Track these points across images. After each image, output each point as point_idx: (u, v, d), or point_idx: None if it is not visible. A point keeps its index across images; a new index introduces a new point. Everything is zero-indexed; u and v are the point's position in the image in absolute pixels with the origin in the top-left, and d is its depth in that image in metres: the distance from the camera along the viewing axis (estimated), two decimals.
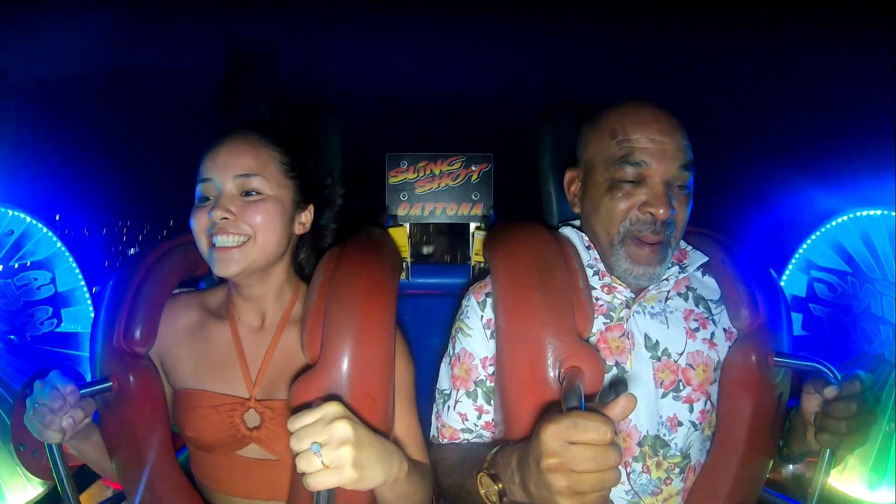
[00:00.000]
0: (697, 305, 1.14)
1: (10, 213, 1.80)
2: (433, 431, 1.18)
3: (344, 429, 0.77)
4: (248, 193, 1.04)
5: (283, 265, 1.11)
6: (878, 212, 1.88)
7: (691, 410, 1.08)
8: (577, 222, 1.19)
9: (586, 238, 1.14)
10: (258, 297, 1.10)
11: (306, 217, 1.13)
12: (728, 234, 1.24)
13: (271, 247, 1.05)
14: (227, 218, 1.01)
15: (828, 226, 1.94)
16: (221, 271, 1.03)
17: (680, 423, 1.08)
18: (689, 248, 1.19)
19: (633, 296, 1.11)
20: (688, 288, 1.16)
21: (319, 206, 1.16)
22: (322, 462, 0.76)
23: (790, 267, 1.98)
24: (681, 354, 1.10)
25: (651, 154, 1.04)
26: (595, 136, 1.10)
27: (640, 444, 1.07)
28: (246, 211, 1.03)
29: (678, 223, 1.06)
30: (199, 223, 1.04)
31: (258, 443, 1.06)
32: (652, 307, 1.12)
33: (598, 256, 1.12)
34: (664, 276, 1.11)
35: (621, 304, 1.11)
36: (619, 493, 1.08)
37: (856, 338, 1.88)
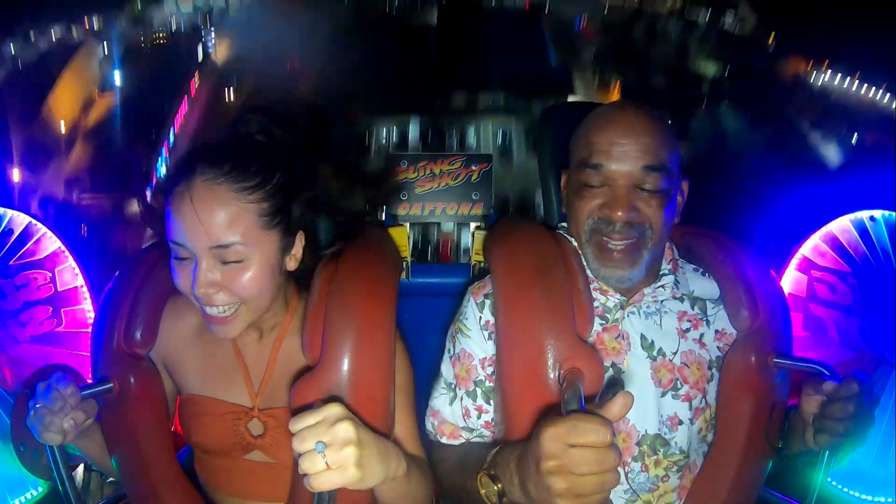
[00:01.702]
0: (693, 307, 1.14)
1: (10, 213, 1.79)
2: (429, 427, 1.17)
3: (347, 429, 0.77)
4: (228, 262, 0.94)
5: (279, 296, 1.06)
6: (878, 212, 1.88)
7: (689, 408, 1.09)
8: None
9: (574, 242, 1.14)
10: (257, 322, 1.07)
11: (297, 250, 1.02)
12: (728, 234, 1.23)
13: (264, 304, 1.00)
14: (211, 291, 0.94)
15: (828, 226, 1.93)
16: (222, 336, 1.00)
17: (680, 422, 1.08)
18: (681, 260, 1.19)
19: (626, 299, 1.11)
20: (684, 292, 1.16)
21: (309, 225, 1.06)
22: (325, 463, 0.76)
23: (790, 267, 1.98)
24: (675, 353, 1.10)
25: (610, 156, 1.04)
26: (575, 139, 1.13)
27: (638, 444, 1.07)
28: (231, 279, 0.94)
29: (652, 225, 1.05)
30: (183, 285, 0.97)
31: (262, 450, 1.07)
32: (648, 307, 1.12)
33: (585, 262, 1.12)
34: (660, 284, 1.11)
35: (615, 305, 1.11)
36: (616, 492, 1.08)
37: (856, 338, 1.87)
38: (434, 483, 1.10)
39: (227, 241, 0.92)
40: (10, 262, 1.78)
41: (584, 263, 1.12)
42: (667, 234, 1.09)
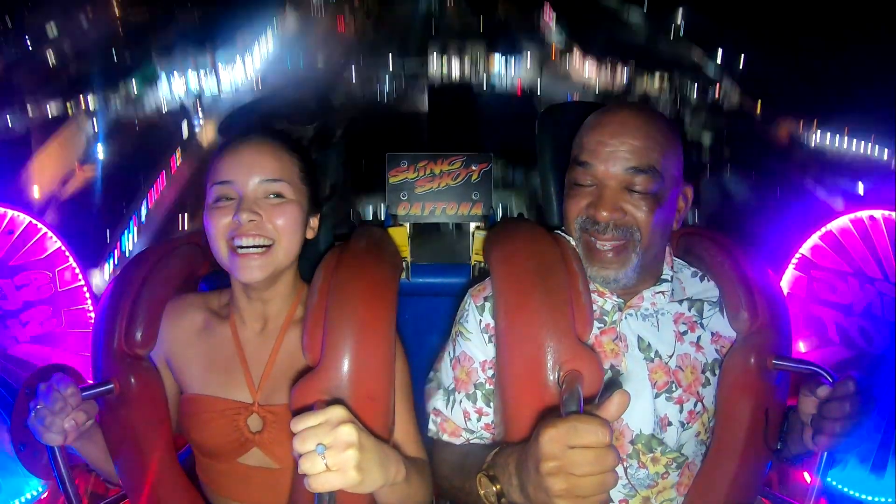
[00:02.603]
0: (690, 309, 1.14)
1: (10, 213, 1.80)
2: (431, 426, 1.17)
3: (349, 432, 0.78)
4: (271, 196, 1.04)
5: (293, 269, 1.12)
6: (878, 212, 1.88)
7: (681, 411, 1.09)
8: None
9: (573, 242, 1.14)
10: (265, 300, 1.10)
11: (315, 223, 1.14)
12: (728, 234, 1.23)
13: (293, 251, 1.07)
14: (254, 220, 1.01)
15: (828, 226, 1.94)
16: (246, 277, 1.02)
17: (670, 423, 1.08)
18: (678, 260, 1.19)
19: (623, 301, 1.11)
20: (681, 298, 1.15)
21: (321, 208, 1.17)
22: (325, 464, 0.76)
23: (790, 267, 1.98)
24: (671, 357, 1.10)
25: (596, 156, 1.05)
26: (574, 141, 1.14)
27: (632, 443, 1.07)
28: (272, 213, 1.03)
29: (640, 227, 1.04)
30: (218, 225, 1.03)
31: (260, 447, 1.07)
32: (645, 309, 1.12)
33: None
34: (659, 289, 1.11)
35: (613, 307, 1.11)
36: (615, 488, 1.08)
37: (856, 338, 1.88)
38: (434, 485, 1.10)
39: (277, 176, 1.05)
40: (11, 263, 1.79)
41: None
42: (660, 238, 1.08)
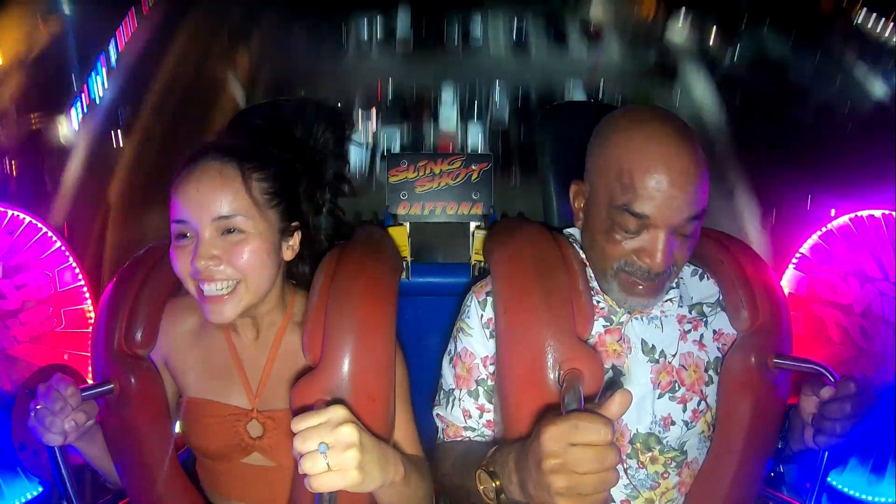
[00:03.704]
0: (691, 311, 1.14)
1: (11, 212, 1.79)
2: (439, 433, 1.17)
3: (350, 432, 0.78)
4: (229, 232, 0.97)
5: (276, 289, 1.07)
6: (878, 212, 1.88)
7: (684, 410, 1.09)
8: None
9: (582, 254, 1.12)
10: (255, 316, 1.08)
11: (294, 240, 1.07)
12: (728, 234, 1.23)
13: (263, 286, 1.01)
14: (211, 265, 0.96)
15: (828, 226, 1.94)
16: (217, 321, 0.99)
17: (673, 423, 1.08)
18: (689, 268, 1.18)
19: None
20: (682, 296, 1.15)
21: (308, 220, 1.11)
22: (326, 464, 0.76)
23: (790, 267, 1.98)
24: (674, 356, 1.10)
25: (656, 206, 0.95)
26: (602, 165, 1.01)
27: (631, 442, 1.08)
28: (231, 253, 0.97)
29: (678, 263, 1.02)
30: (181, 267, 0.98)
31: (261, 452, 1.07)
32: (652, 314, 1.12)
33: (592, 276, 1.11)
34: (667, 298, 1.11)
35: (621, 308, 1.11)
36: (617, 488, 1.08)
37: (856, 338, 1.88)
38: (435, 483, 1.10)
39: (229, 212, 0.96)
40: (10, 263, 1.79)
41: (585, 264, 1.11)
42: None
